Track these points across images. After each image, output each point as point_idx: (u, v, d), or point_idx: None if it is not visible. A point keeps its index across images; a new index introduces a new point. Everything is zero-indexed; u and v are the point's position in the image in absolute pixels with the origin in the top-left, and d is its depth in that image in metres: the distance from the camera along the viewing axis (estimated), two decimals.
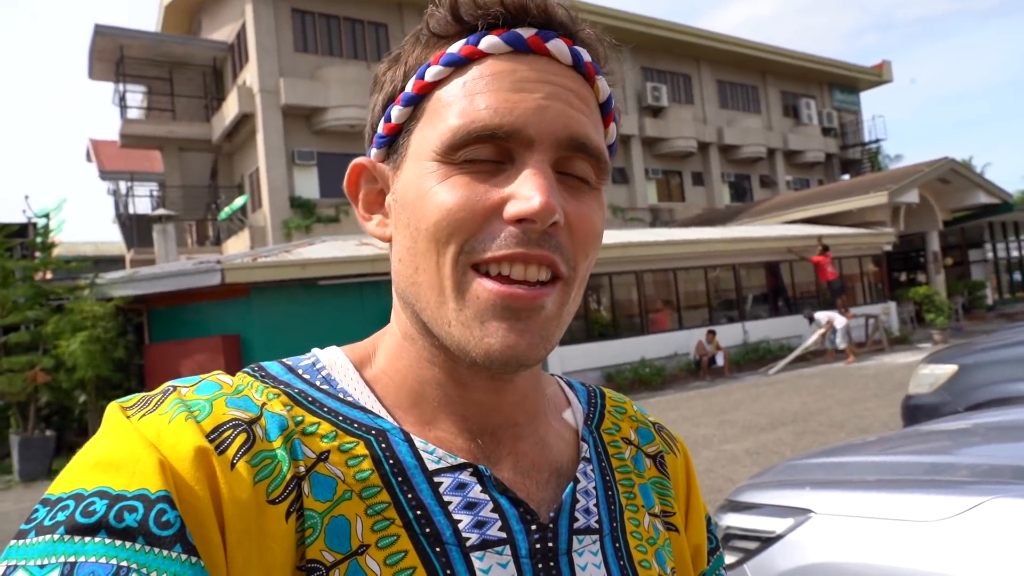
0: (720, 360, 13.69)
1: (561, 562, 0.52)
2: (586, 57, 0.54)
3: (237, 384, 0.51)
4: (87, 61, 19.41)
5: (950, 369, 4.51)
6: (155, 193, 22.72)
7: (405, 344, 0.56)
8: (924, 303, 17.46)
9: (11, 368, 9.42)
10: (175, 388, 0.50)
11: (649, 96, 22.85)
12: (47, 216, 11.40)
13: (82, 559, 0.39)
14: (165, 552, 0.40)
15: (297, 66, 17.23)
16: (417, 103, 0.54)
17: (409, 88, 0.54)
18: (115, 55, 18.75)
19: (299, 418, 0.50)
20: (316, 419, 0.51)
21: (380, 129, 0.56)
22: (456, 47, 0.52)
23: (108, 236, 43.64)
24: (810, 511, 1.92)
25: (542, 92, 0.51)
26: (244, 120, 17.74)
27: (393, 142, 0.56)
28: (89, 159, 24.94)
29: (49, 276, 11.51)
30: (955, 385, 4.41)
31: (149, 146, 20.49)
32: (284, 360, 0.57)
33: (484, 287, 0.49)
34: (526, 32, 0.52)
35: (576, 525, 0.55)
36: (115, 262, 21.10)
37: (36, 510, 0.42)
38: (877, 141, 29.70)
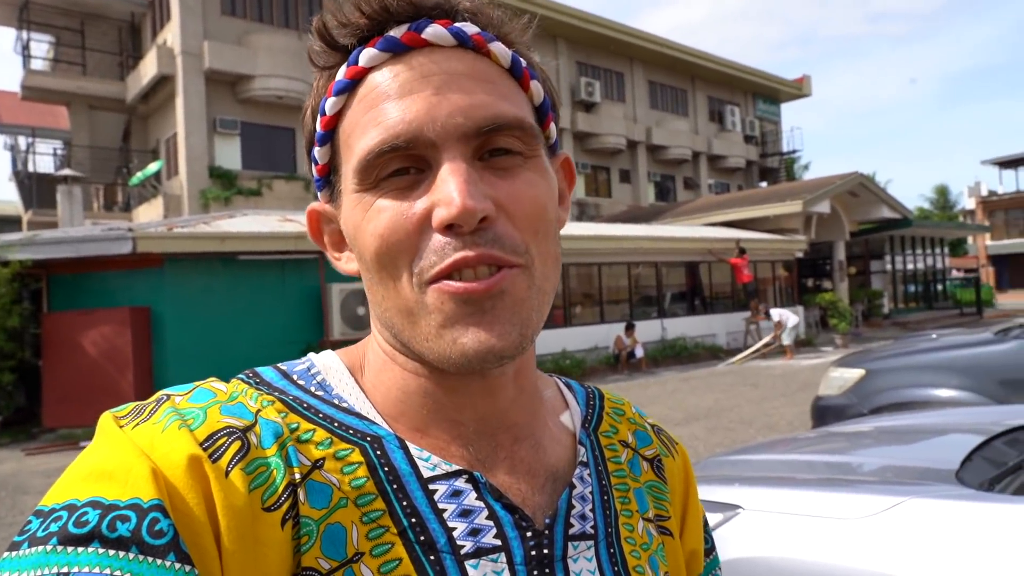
0: (639, 353, 14.05)
1: (556, 569, 0.52)
2: (471, 30, 0.51)
3: (231, 391, 0.51)
4: None
5: (858, 373, 4.77)
6: (59, 152, 21.28)
7: (387, 360, 0.55)
8: (829, 309, 18.45)
9: None
10: (169, 396, 0.50)
11: (583, 91, 23.10)
12: None
13: (75, 569, 0.39)
14: (159, 561, 0.40)
15: (224, 30, 16.45)
16: (331, 138, 0.53)
17: (319, 127, 0.54)
18: None
19: (294, 425, 0.50)
20: (311, 426, 0.50)
21: (314, 172, 0.56)
22: (341, 73, 0.51)
23: (2, 195, 40.58)
24: (739, 507, 1.98)
25: (431, 87, 0.49)
26: (163, 82, 16.82)
27: (329, 181, 0.56)
28: None
29: None
30: (862, 388, 4.67)
31: (55, 101, 19.14)
32: (279, 365, 0.56)
33: (442, 292, 0.48)
34: (398, 31, 0.50)
35: (571, 531, 0.54)
36: (10, 222, 19.68)
37: (29, 521, 0.42)
38: (794, 152, 31.13)
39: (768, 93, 30.79)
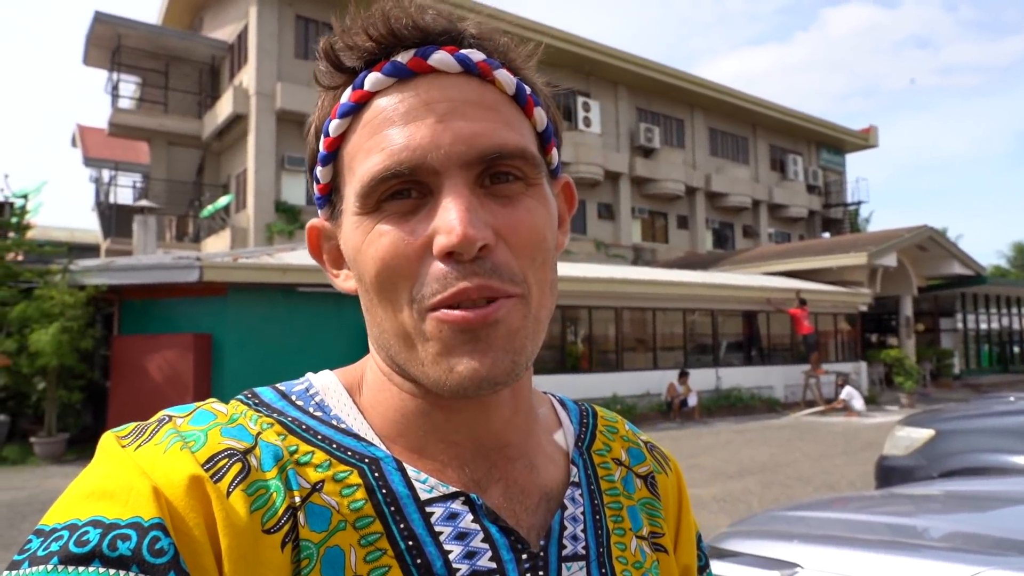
0: (692, 402, 13.72)
1: None
2: (476, 57, 0.51)
3: (231, 413, 0.51)
4: (83, 46, 19.23)
5: (927, 433, 4.53)
6: (138, 184, 22.44)
7: (384, 380, 0.55)
8: (894, 366, 17.72)
9: None
10: (170, 418, 0.50)
11: (642, 136, 23.18)
12: (25, 197, 11.17)
13: None
14: None
15: (296, 72, 17.23)
16: (333, 159, 0.54)
17: (321, 148, 0.54)
18: (112, 43, 18.62)
19: (293, 447, 0.50)
20: (310, 448, 0.51)
21: (315, 190, 0.57)
22: (346, 95, 0.52)
23: (83, 224, 42.90)
24: (798, 565, 1.88)
25: (436, 115, 0.49)
26: (237, 120, 17.64)
27: (330, 200, 0.56)
28: (74, 144, 24.58)
29: (20, 258, 11.23)
30: (931, 450, 4.43)
31: (137, 137, 20.28)
32: (278, 386, 0.56)
33: (441, 321, 0.48)
34: (404, 56, 0.50)
35: (564, 552, 0.55)
36: (89, 250, 20.70)
37: (30, 540, 0.42)
38: (859, 203, 30.38)
39: (832, 143, 30.29)
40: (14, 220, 10.88)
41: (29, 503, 6.83)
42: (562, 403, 0.68)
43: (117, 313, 10.55)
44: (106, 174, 22.33)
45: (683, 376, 13.97)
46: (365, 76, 0.51)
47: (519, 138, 0.51)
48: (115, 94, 19.09)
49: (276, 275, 10.23)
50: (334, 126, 0.52)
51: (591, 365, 13.92)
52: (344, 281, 0.57)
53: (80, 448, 9.99)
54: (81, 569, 0.39)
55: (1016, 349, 25.86)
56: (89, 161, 23.06)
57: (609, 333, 14.44)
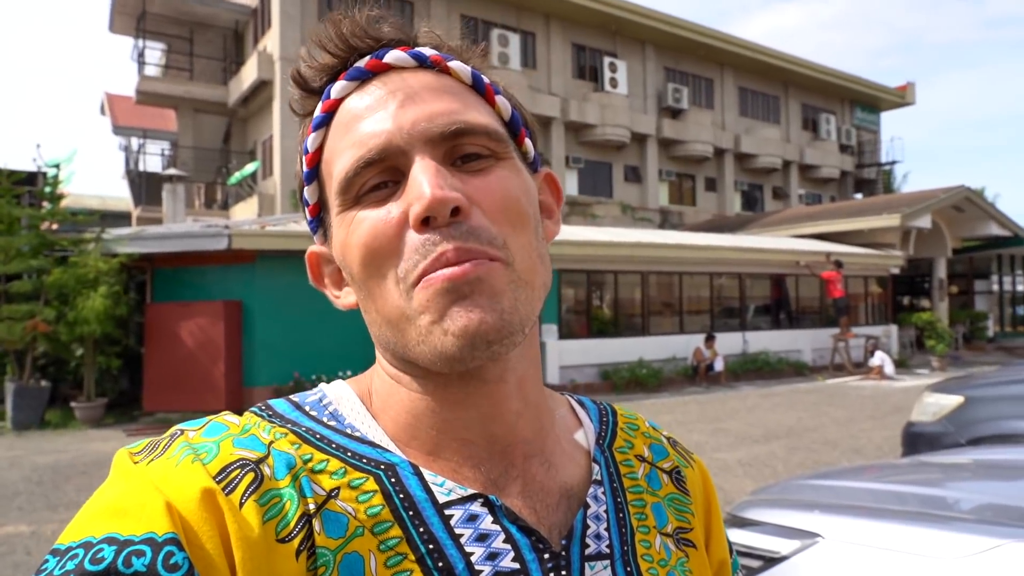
0: (718, 366, 13.68)
1: None
2: (429, 52, 0.55)
3: (244, 424, 0.52)
4: (108, 14, 19.30)
5: (955, 400, 4.47)
6: (167, 152, 22.66)
7: (394, 384, 0.55)
8: (926, 329, 17.44)
9: (11, 316, 9.40)
10: (183, 432, 0.50)
11: (670, 97, 22.73)
12: (57, 166, 11.35)
13: None
14: None
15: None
16: (316, 175, 0.56)
17: (304, 167, 0.56)
18: (137, 10, 18.65)
19: (307, 456, 0.50)
20: (325, 456, 0.51)
21: (307, 215, 0.59)
22: (317, 109, 0.55)
23: (114, 191, 43.55)
24: (818, 535, 1.89)
25: (396, 102, 0.51)
26: (262, 86, 17.65)
27: (322, 220, 0.58)
28: (103, 113, 24.86)
29: (55, 227, 11.47)
30: (959, 416, 4.37)
31: (165, 105, 20.41)
32: (291, 397, 0.57)
33: (427, 288, 0.48)
34: (362, 62, 0.54)
35: (587, 551, 0.54)
36: (121, 218, 21.04)
37: (46, 560, 0.42)
38: (894, 163, 29.60)
39: (867, 101, 29.40)
40: (48, 190, 11.08)
41: (72, 465, 7.10)
42: (580, 403, 0.67)
43: (150, 280, 10.77)
44: (135, 142, 22.59)
45: (710, 340, 13.91)
46: (331, 88, 0.54)
47: (481, 116, 0.53)
48: (141, 61, 19.19)
49: (303, 242, 10.31)
50: (311, 141, 0.55)
51: (617, 329, 13.91)
52: (346, 297, 0.58)
53: (118, 412, 10.33)
54: None
55: None
56: (118, 129, 23.32)
57: (635, 297, 14.39)
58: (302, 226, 10.84)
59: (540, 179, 0.60)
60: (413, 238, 0.49)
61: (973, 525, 1.79)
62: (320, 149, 0.55)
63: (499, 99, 0.56)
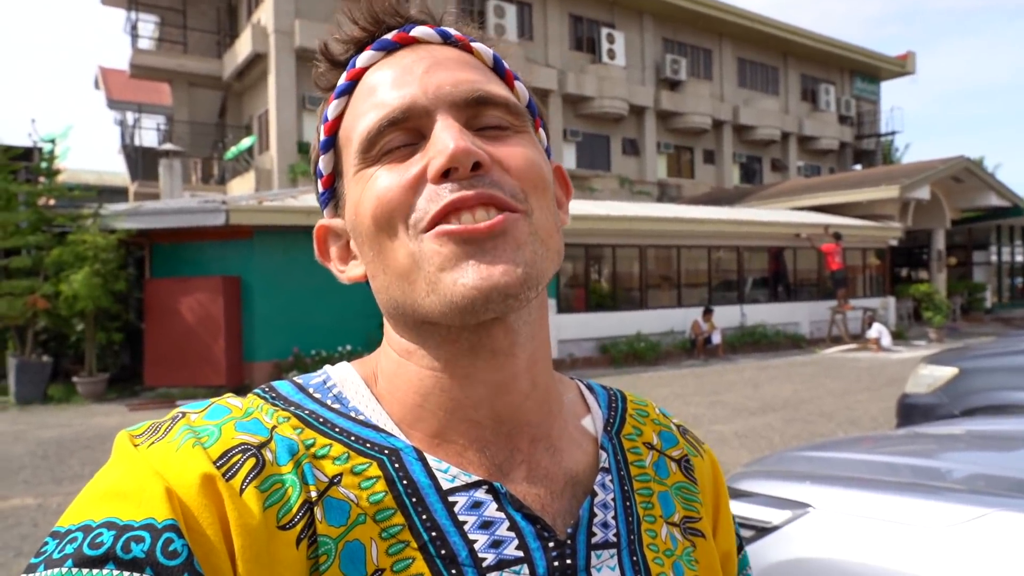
0: (716, 339, 13.75)
1: None
2: (454, 32, 0.56)
3: (247, 407, 0.51)
4: None
5: (950, 371, 4.52)
6: (162, 127, 22.48)
7: (402, 361, 0.54)
8: (923, 301, 17.50)
9: (11, 292, 9.42)
10: (184, 414, 0.50)
11: (668, 68, 22.52)
12: (53, 142, 11.27)
13: None
14: None
15: (314, 8, 16.89)
16: (333, 144, 0.56)
17: (322, 135, 0.56)
18: None
19: (310, 441, 0.50)
20: (328, 440, 0.50)
21: (320, 187, 0.58)
22: (341, 78, 0.55)
23: (111, 166, 43.24)
24: (809, 505, 1.94)
25: (423, 67, 0.52)
26: (256, 60, 17.46)
27: (334, 194, 0.58)
28: (97, 87, 24.59)
29: (52, 203, 11.43)
30: (954, 388, 4.42)
31: (159, 78, 20.21)
32: (295, 379, 0.56)
33: (438, 235, 0.48)
34: (389, 34, 0.55)
35: (594, 540, 0.53)
36: (118, 193, 20.95)
37: (46, 543, 0.42)
38: (893, 133, 29.43)
39: (867, 71, 29.14)
40: (44, 165, 11.02)
41: (76, 439, 7.17)
42: (590, 388, 0.66)
43: (148, 256, 10.77)
44: (130, 116, 22.40)
45: (707, 313, 13.97)
46: (356, 58, 0.55)
47: (502, 90, 0.54)
48: (134, 34, 18.96)
49: (301, 217, 10.31)
50: (332, 108, 0.55)
51: (615, 303, 13.96)
52: (352, 269, 0.57)
53: (120, 387, 10.40)
54: (95, 571, 0.39)
55: None
56: (113, 103, 23.10)
57: (633, 271, 14.41)
58: (300, 201, 10.82)
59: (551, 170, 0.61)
60: (430, 188, 0.49)
61: (962, 495, 1.83)
62: (339, 118, 0.55)
63: (518, 84, 0.57)
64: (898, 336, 16.36)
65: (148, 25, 20.50)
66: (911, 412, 4.61)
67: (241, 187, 17.93)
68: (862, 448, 2.71)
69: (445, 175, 0.48)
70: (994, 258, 22.77)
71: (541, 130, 0.59)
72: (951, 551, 1.58)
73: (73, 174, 23.87)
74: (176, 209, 10.25)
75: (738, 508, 2.14)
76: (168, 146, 15.61)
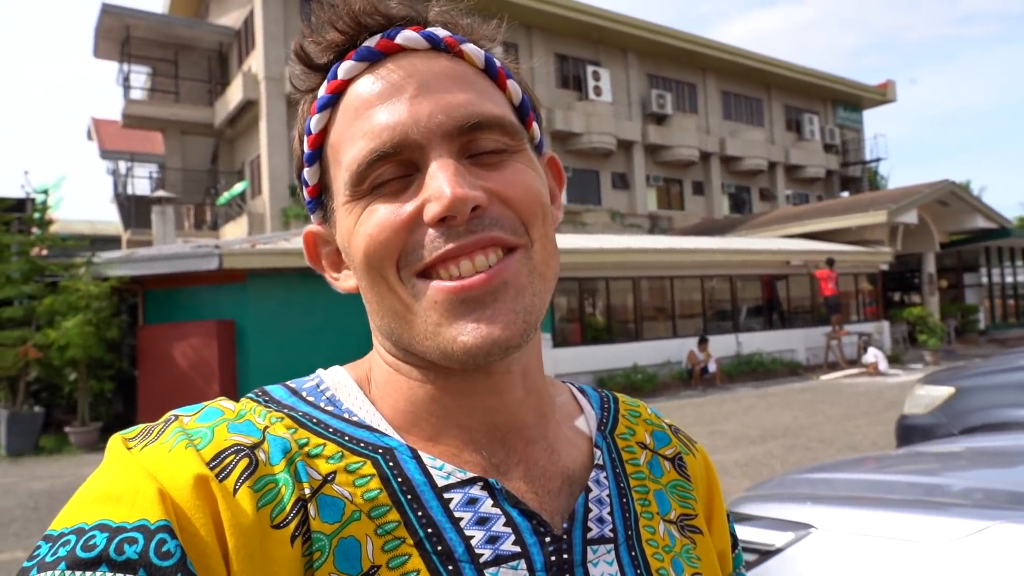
0: (712, 368, 13.72)
1: (576, 574, 0.51)
2: (442, 34, 0.53)
3: (239, 409, 0.51)
4: (92, 39, 19.31)
5: (947, 391, 4.52)
6: (155, 175, 22.63)
7: (391, 371, 0.55)
8: (917, 324, 17.53)
9: (3, 342, 9.35)
10: (177, 417, 0.50)
11: (654, 103, 22.89)
12: (46, 192, 11.32)
13: None
14: None
15: None
16: (319, 157, 0.54)
17: (306, 147, 0.54)
18: (121, 34, 18.67)
19: (303, 440, 0.50)
20: (321, 440, 0.50)
21: (305, 195, 0.57)
22: (322, 89, 0.52)
23: (104, 216, 43.38)
24: (811, 526, 1.92)
25: (410, 90, 0.50)
26: (248, 106, 17.68)
27: (321, 202, 0.56)
28: (90, 137, 24.82)
29: (44, 252, 11.43)
30: (951, 407, 4.42)
31: (151, 127, 20.41)
32: (288, 383, 0.56)
33: (437, 290, 0.48)
34: (372, 41, 0.52)
35: (590, 535, 0.53)
36: (111, 242, 20.98)
37: (39, 546, 0.42)
38: (878, 160, 29.84)
39: (849, 100, 29.69)
40: (36, 216, 11.05)
41: (67, 490, 7.05)
42: (582, 391, 0.67)
43: (141, 303, 10.74)
44: (123, 166, 22.55)
45: (703, 343, 13.95)
46: (337, 67, 0.52)
47: (496, 108, 0.52)
48: (127, 85, 19.19)
49: (294, 259, 10.32)
50: (315, 122, 0.53)
51: (611, 336, 13.94)
52: (344, 281, 0.57)
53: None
54: (89, 574, 0.39)
55: None
56: (105, 153, 23.27)
57: (628, 303, 14.43)
58: (293, 244, 10.84)
59: (544, 162, 0.60)
60: (425, 233, 0.48)
61: (962, 509, 1.82)
62: (324, 132, 0.53)
63: (510, 83, 0.55)
64: (894, 360, 16.35)
65: (140, 76, 20.78)
66: (910, 433, 4.60)
67: (234, 232, 17.99)
68: (862, 468, 2.70)
69: (442, 221, 0.47)
70: (985, 279, 22.91)
71: (535, 124, 0.58)
72: (954, 565, 1.57)
73: (66, 224, 23.92)
74: (169, 255, 10.26)
75: (741, 532, 2.12)
76: (161, 193, 15.70)
